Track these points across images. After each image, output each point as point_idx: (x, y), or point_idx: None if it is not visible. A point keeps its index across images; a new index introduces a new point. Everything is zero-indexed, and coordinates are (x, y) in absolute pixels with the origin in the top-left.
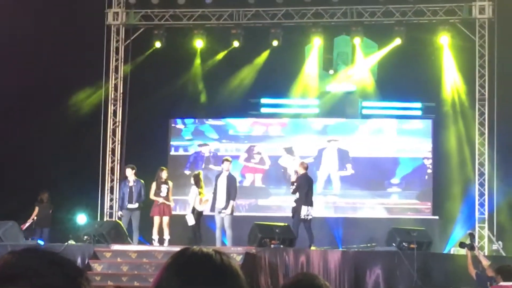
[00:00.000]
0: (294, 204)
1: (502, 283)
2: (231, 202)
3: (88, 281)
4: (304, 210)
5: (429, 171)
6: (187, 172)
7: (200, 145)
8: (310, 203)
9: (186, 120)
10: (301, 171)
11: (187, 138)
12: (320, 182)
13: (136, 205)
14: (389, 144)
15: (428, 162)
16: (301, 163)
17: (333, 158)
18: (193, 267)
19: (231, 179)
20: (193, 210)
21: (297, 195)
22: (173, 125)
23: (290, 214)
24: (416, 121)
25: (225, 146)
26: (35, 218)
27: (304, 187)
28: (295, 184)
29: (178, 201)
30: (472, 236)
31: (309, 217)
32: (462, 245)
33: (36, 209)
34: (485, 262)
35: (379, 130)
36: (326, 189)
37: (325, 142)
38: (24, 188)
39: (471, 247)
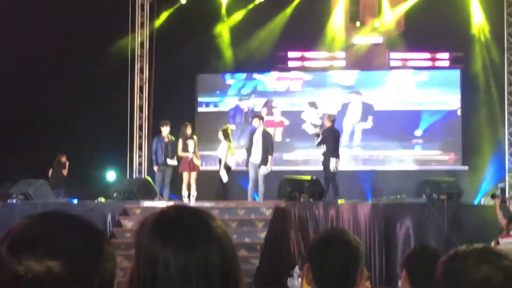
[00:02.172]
0: (322, 158)
1: None
2: (270, 157)
3: (110, 242)
4: (333, 163)
5: (458, 121)
6: (233, 126)
7: (240, 99)
8: (337, 156)
9: (215, 75)
10: (328, 124)
11: (216, 92)
12: (345, 135)
13: (173, 161)
14: (416, 95)
15: (457, 113)
16: (328, 116)
17: (356, 111)
18: (176, 229)
19: (266, 135)
20: (224, 165)
21: (324, 148)
22: (201, 81)
23: (317, 168)
24: (444, 72)
25: (253, 101)
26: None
27: (330, 141)
28: (320, 136)
29: (205, 157)
30: (502, 190)
31: (336, 169)
32: (494, 196)
33: (50, 171)
34: None
35: (405, 81)
36: (350, 141)
37: (349, 96)
38: (53, 146)
39: (501, 201)
